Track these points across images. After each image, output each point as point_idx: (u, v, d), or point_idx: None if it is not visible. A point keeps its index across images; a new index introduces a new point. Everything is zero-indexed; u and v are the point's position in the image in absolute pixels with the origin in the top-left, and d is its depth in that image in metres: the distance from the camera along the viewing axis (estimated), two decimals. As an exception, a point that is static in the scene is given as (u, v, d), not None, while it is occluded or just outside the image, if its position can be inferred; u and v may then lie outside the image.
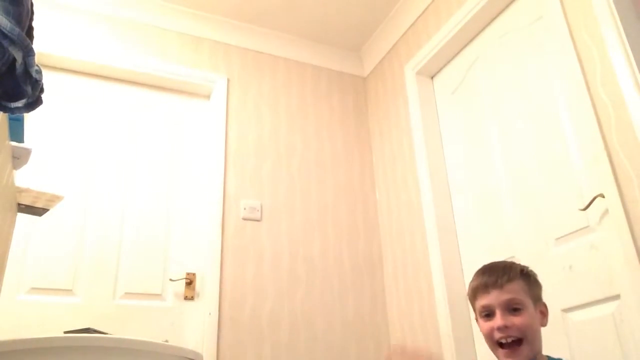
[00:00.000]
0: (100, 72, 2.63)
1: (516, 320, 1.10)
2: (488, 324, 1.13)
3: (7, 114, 1.17)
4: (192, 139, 2.72)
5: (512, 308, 1.12)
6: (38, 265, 2.16)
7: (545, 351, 1.18)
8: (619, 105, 1.63)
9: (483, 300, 1.16)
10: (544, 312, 1.17)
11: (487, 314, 1.15)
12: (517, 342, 1.09)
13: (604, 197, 1.65)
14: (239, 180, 2.63)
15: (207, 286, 2.37)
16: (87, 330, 1.48)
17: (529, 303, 1.13)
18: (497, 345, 1.12)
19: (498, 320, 1.11)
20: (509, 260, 1.26)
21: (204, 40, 2.89)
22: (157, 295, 2.33)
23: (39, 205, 1.67)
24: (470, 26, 2.41)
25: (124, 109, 2.63)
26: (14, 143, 1.37)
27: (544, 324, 1.16)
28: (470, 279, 1.24)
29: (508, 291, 1.13)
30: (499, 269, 1.18)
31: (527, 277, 1.18)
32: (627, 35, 1.64)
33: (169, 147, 2.64)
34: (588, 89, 1.73)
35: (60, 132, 2.43)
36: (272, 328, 2.39)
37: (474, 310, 1.21)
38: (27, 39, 0.75)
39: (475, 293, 1.19)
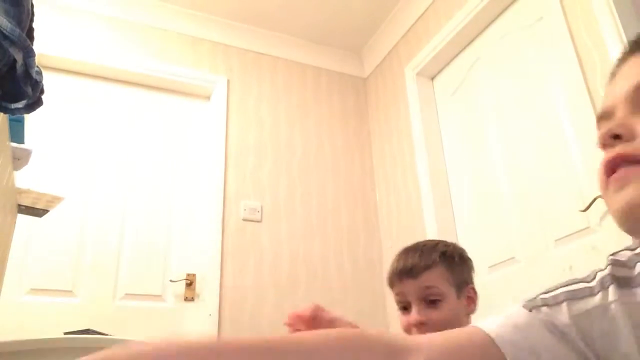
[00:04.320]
0: (100, 73, 2.63)
1: (434, 314, 0.97)
2: (405, 318, 1.00)
3: (7, 115, 1.17)
4: (192, 140, 2.72)
5: (430, 300, 0.98)
6: (38, 266, 2.16)
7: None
8: (619, 106, 1.62)
9: (398, 291, 1.02)
10: (472, 298, 1.03)
11: (404, 306, 1.01)
12: None
13: (604, 198, 1.65)
14: (239, 181, 2.63)
15: (207, 287, 2.37)
16: (87, 332, 1.48)
17: (450, 292, 0.99)
18: None
19: (413, 313, 0.97)
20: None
21: (203, 41, 2.89)
22: (157, 297, 2.33)
23: (40, 206, 1.67)
24: (470, 27, 2.41)
25: (124, 110, 2.63)
26: (14, 144, 1.37)
27: (471, 311, 1.02)
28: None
29: (424, 280, 0.98)
30: (415, 254, 1.03)
31: (449, 260, 1.02)
32: (627, 36, 1.64)
33: (169, 148, 2.64)
34: (588, 89, 1.73)
35: (60, 133, 2.43)
36: (273, 329, 2.39)
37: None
38: (28, 40, 0.75)
39: (389, 282, 1.05)
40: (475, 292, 1.04)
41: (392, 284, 1.04)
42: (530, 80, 2.09)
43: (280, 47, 3.07)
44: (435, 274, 0.99)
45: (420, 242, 1.10)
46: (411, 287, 0.99)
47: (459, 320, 0.98)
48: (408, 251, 1.06)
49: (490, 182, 2.24)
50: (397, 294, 1.02)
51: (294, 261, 2.57)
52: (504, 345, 0.44)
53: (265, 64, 3.01)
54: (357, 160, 3.00)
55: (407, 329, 0.99)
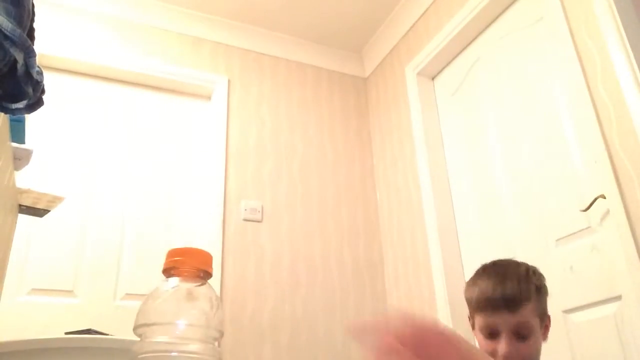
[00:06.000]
0: (101, 73, 2.63)
1: (522, 348, 1.00)
2: (490, 345, 1.01)
3: (8, 115, 1.17)
4: (193, 140, 2.72)
5: (520, 335, 1.00)
6: (39, 267, 2.16)
7: (545, 353, 1.17)
8: (619, 106, 1.63)
9: (489, 319, 1.02)
10: (547, 327, 1.08)
11: (491, 332, 1.02)
12: None
13: (605, 197, 1.65)
14: (239, 181, 2.63)
15: (207, 287, 2.36)
16: (87, 331, 1.47)
17: (537, 325, 1.02)
18: None
19: (503, 346, 0.99)
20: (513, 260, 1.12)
21: (204, 41, 2.89)
22: (157, 296, 2.33)
23: (40, 206, 1.67)
24: (471, 27, 2.41)
25: (125, 110, 2.63)
26: (15, 144, 1.37)
27: (545, 339, 1.07)
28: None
29: (520, 316, 1.00)
30: (512, 283, 1.02)
31: (540, 293, 1.05)
32: (627, 36, 1.64)
33: (170, 148, 2.64)
34: (589, 89, 1.73)
35: (61, 133, 2.43)
36: (273, 329, 2.39)
37: (472, 319, 1.09)
38: (28, 40, 0.75)
39: (479, 306, 1.04)
40: (550, 321, 1.08)
41: (482, 309, 1.03)
42: (531, 80, 2.09)
43: (281, 47, 3.07)
44: (529, 308, 1.01)
45: (509, 264, 1.09)
46: (507, 320, 1.00)
47: (538, 351, 1.02)
48: (503, 278, 1.04)
49: (490, 182, 2.24)
50: (488, 323, 1.02)
51: (294, 261, 2.57)
52: None
53: (266, 64, 3.01)
54: (357, 160, 3.00)
55: (492, 354, 1.00)
